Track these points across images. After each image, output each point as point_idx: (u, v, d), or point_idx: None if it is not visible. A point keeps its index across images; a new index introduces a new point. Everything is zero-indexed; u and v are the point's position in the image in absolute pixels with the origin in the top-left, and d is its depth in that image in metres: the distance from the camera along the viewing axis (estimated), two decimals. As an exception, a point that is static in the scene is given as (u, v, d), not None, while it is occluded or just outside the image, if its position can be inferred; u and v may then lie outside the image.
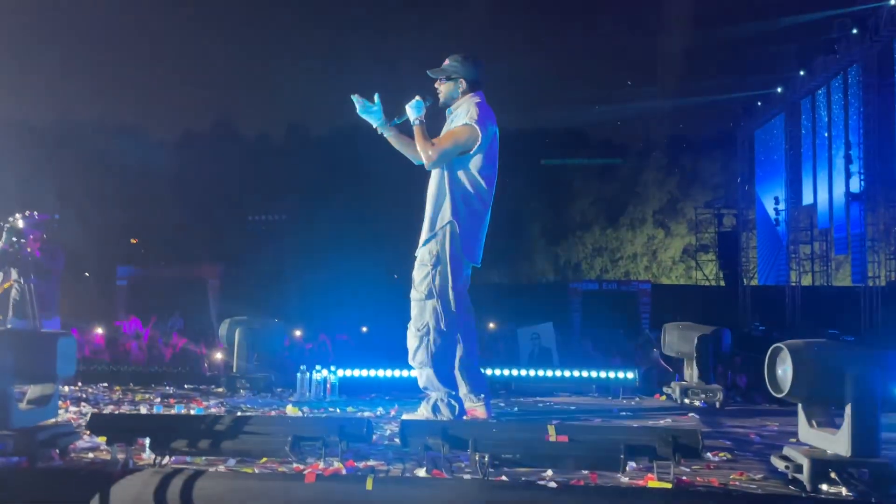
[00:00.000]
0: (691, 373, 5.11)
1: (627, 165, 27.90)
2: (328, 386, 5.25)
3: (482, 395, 4.22)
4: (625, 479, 2.96)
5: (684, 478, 2.96)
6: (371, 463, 3.22)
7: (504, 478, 2.98)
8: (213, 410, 4.50)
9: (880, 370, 2.70)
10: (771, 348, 2.98)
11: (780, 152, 19.32)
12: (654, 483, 2.89)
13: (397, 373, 5.55)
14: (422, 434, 3.07)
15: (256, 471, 3.05)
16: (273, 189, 25.49)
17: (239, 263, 21.94)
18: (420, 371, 4.15)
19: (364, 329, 15.34)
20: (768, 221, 19.87)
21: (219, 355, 8.70)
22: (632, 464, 3.03)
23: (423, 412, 4.13)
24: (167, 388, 5.61)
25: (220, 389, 5.48)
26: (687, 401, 5.03)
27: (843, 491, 2.72)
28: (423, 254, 4.15)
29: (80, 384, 5.54)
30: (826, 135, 17.05)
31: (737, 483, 2.96)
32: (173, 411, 4.38)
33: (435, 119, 4.29)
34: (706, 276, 24.96)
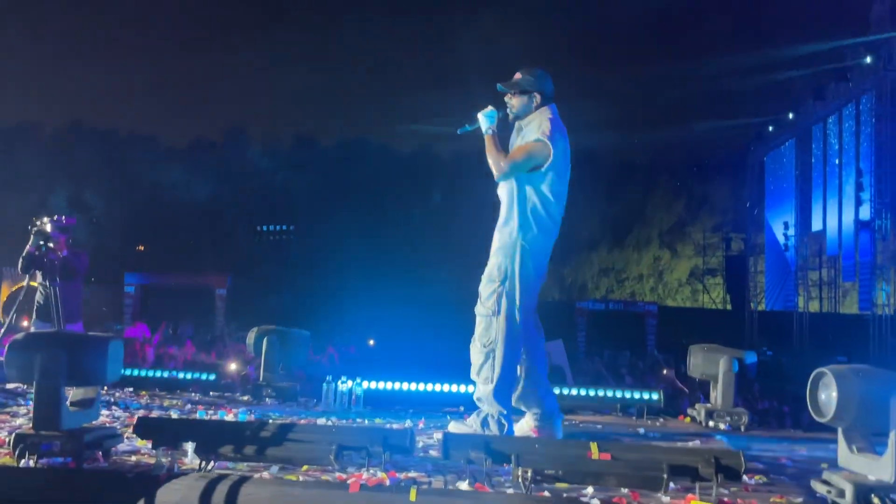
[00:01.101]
0: (716, 395, 5.13)
1: (636, 186, 27.98)
2: (353, 397, 5.29)
3: (561, 416, 4.20)
4: (666, 499, 2.99)
5: (725, 499, 2.99)
6: (412, 475, 3.24)
7: (546, 493, 3.00)
8: (249, 419, 4.54)
9: (925, 398, 2.73)
10: (813, 373, 3.02)
11: (791, 178, 19.39)
12: (696, 503, 2.91)
13: (422, 386, 5.58)
14: (464, 447, 3.10)
15: (300, 478, 3.09)
16: (282, 199, 25.61)
17: (247, 273, 22.01)
18: (482, 386, 4.14)
19: (371, 342, 15.37)
20: (777, 246, 19.90)
21: (233, 365, 8.74)
22: (672, 484, 3.06)
23: (472, 423, 4.12)
24: (192, 394, 5.64)
25: (246, 398, 5.51)
26: (712, 423, 5.05)
27: (885, 516, 2.75)
28: (492, 269, 4.15)
29: (105, 388, 5.57)
30: (836, 162, 17.13)
31: (777, 506, 2.99)
32: (214, 417, 4.41)
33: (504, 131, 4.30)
34: (713, 300, 24.95)
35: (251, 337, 5.64)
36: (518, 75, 4.26)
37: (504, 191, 4.21)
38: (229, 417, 4.49)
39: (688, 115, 22.57)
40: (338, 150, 27.89)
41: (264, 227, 24.77)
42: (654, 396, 5.45)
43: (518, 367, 4.15)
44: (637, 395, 5.52)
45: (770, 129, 20.39)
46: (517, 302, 4.07)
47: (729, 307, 24.08)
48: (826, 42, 17.28)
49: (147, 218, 24.27)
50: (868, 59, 15.48)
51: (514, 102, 4.23)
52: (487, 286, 4.14)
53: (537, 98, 4.20)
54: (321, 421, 4.58)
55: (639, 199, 27.72)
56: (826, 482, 2.98)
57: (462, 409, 5.46)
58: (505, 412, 4.10)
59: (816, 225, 18.12)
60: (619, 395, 5.67)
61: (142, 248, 25.05)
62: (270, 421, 3.66)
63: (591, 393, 5.81)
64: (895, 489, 2.72)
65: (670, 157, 25.48)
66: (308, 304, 19.58)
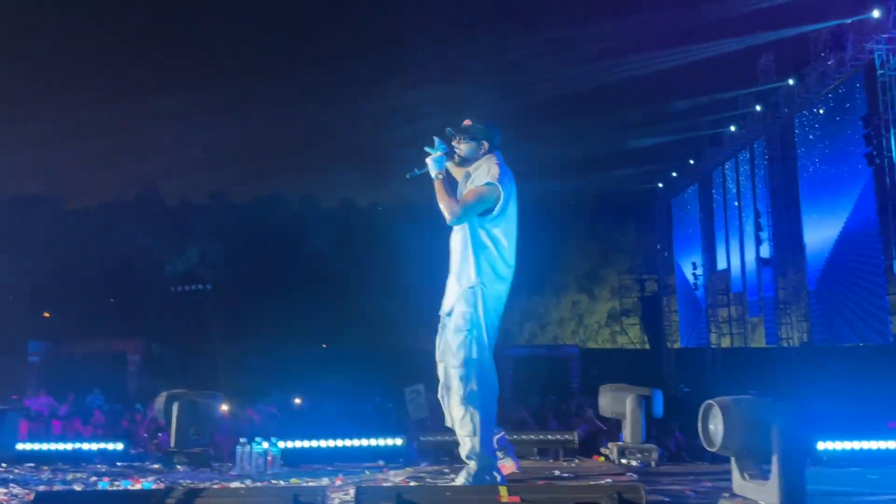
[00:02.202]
0: (627, 433, 5.29)
1: (550, 232, 28.74)
2: (269, 458, 5.18)
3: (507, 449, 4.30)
4: (574, 537, 3.07)
5: (630, 533, 3.09)
6: (325, 533, 3.21)
7: (458, 541, 3.03)
8: (156, 487, 4.38)
9: (802, 424, 2.93)
10: (703, 405, 3.20)
11: (696, 220, 20.40)
12: (602, 539, 3.00)
13: (340, 442, 5.52)
14: (377, 500, 3.11)
15: (208, 545, 3.02)
16: (197, 258, 25.02)
17: (162, 336, 21.29)
18: (465, 439, 4.09)
19: (297, 401, 15.04)
20: (687, 286, 20.76)
21: (145, 434, 8.43)
22: (580, 522, 3.14)
23: (460, 482, 4.07)
24: (98, 466, 5.40)
25: (156, 466, 5.32)
26: (624, 461, 5.19)
27: (776, 539, 2.90)
28: (457, 319, 4.15)
29: (3, 465, 5.27)
30: (736, 204, 18.16)
31: (678, 536, 3.11)
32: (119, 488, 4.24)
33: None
34: (631, 340, 25.64)
35: (160, 402, 5.46)
36: (468, 122, 4.39)
37: (457, 238, 4.27)
38: (136, 488, 4.33)
39: (597, 163, 23.50)
40: (253, 206, 27.61)
41: (179, 288, 24.09)
42: (570, 438, 5.57)
43: (495, 413, 4.20)
44: (553, 438, 5.63)
45: (674, 174, 21.48)
46: (486, 348, 4.12)
47: (647, 346, 24.83)
48: (721, 92, 18.43)
49: (54, 282, 23.23)
50: (758, 108, 16.63)
51: (462, 147, 4.34)
52: (456, 336, 4.13)
53: (485, 145, 4.33)
54: (235, 485, 4.47)
55: (553, 245, 28.46)
56: (722, 510, 3.13)
57: (382, 463, 5.43)
58: (495, 462, 4.15)
59: (721, 264, 19.05)
60: (535, 438, 5.78)
61: (48, 314, 23.89)
62: (177, 488, 3.56)
63: (510, 437, 5.89)
64: (782, 512, 2.88)
65: (581, 204, 26.38)
66: (228, 365, 19.04)
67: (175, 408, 5.38)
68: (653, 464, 5.16)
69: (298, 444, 5.53)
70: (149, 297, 23.82)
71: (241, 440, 5.19)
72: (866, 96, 12.74)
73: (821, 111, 14.38)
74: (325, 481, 4.65)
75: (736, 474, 3.23)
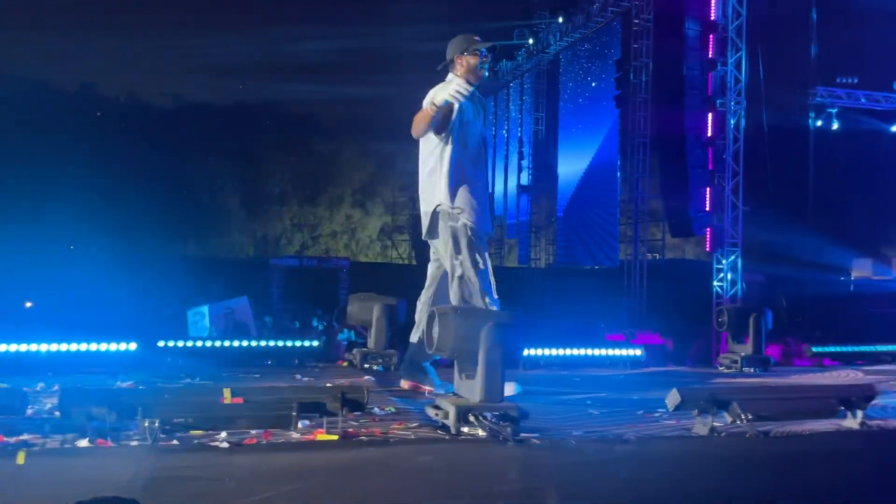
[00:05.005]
0: (372, 340, 5.50)
1: (326, 145, 28.47)
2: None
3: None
4: (296, 436, 3.14)
5: (350, 430, 3.23)
6: (25, 437, 2.98)
7: (175, 442, 2.97)
8: None
9: (508, 330, 3.21)
10: (429, 312, 3.38)
11: (468, 144, 21.26)
12: (322, 436, 3.11)
13: (64, 346, 5.11)
14: (85, 403, 2.93)
15: None
16: None
17: None
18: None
19: (28, 304, 13.68)
20: (451, 207, 21.79)
21: None
22: (305, 421, 3.22)
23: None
24: None
25: None
26: (367, 365, 5.41)
27: (479, 432, 3.19)
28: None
29: None
30: (504, 132, 19.18)
31: (396, 432, 3.31)
32: None
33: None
34: (400, 255, 26.51)
35: None
36: (476, 38, 4.48)
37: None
38: None
39: (377, 80, 23.34)
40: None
41: None
42: (315, 344, 5.67)
43: None
44: (299, 344, 5.69)
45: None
46: None
47: (415, 262, 25.85)
48: (498, 22, 18.99)
49: None
50: (531, 41, 17.44)
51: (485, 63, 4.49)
52: None
53: None
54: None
55: (330, 157, 28.21)
56: (437, 407, 3.37)
57: (114, 370, 5.13)
58: None
59: (487, 188, 20.20)
60: (283, 344, 5.80)
61: None
62: None
63: (267, 344, 5.89)
64: (484, 408, 3.17)
65: (359, 119, 26.26)
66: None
67: None
68: (392, 368, 5.42)
69: (14, 347, 5.02)
70: None
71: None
72: (621, 42, 13.89)
73: (584, 49, 15.44)
74: (40, 386, 4.31)
75: (457, 375, 3.48)
